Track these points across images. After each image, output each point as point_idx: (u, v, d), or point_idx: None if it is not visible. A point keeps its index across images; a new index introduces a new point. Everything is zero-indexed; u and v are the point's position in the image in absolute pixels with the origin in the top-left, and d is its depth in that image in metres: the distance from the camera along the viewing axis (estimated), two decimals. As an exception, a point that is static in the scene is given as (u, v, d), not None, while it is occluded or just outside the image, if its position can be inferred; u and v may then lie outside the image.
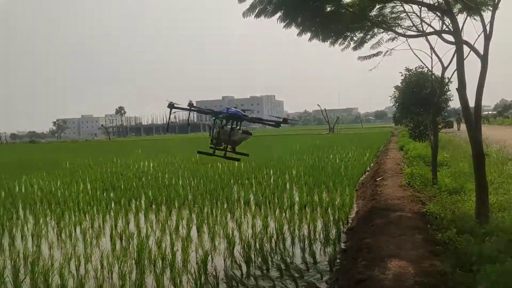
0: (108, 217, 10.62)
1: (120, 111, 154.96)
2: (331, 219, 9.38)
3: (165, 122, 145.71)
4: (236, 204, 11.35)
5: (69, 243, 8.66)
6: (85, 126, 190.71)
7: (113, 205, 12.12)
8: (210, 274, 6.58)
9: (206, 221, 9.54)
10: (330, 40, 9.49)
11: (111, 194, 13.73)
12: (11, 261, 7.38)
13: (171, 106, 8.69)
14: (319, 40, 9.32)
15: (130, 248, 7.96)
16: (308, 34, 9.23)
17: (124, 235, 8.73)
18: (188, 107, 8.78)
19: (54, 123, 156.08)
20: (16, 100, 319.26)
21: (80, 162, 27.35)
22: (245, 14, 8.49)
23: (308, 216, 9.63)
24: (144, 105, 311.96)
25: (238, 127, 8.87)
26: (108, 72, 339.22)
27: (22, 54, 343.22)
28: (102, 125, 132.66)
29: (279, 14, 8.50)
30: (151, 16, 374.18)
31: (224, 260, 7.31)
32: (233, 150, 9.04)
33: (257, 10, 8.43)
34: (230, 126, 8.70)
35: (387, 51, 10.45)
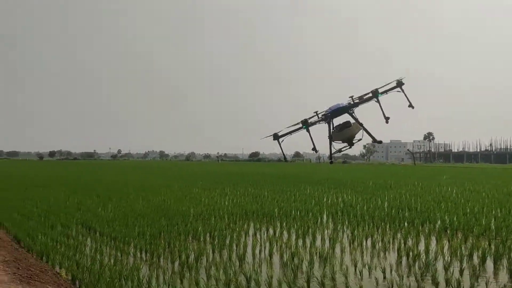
0: (399, 234, 10.71)
1: (428, 137, 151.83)
2: None
3: (478, 149, 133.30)
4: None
5: (358, 250, 9.26)
6: (393, 150, 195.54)
7: (405, 224, 12.13)
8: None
9: (507, 256, 8.35)
10: None
11: (406, 214, 13.75)
12: (309, 256, 8.48)
13: (276, 137, 7.92)
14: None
15: (416, 266, 7.87)
16: None
17: (411, 253, 8.65)
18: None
19: (364, 146, 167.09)
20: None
21: (381, 182, 28.44)
22: None
23: None
24: (454, 131, 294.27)
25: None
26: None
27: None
28: (408, 150, 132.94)
29: None
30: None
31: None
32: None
33: None
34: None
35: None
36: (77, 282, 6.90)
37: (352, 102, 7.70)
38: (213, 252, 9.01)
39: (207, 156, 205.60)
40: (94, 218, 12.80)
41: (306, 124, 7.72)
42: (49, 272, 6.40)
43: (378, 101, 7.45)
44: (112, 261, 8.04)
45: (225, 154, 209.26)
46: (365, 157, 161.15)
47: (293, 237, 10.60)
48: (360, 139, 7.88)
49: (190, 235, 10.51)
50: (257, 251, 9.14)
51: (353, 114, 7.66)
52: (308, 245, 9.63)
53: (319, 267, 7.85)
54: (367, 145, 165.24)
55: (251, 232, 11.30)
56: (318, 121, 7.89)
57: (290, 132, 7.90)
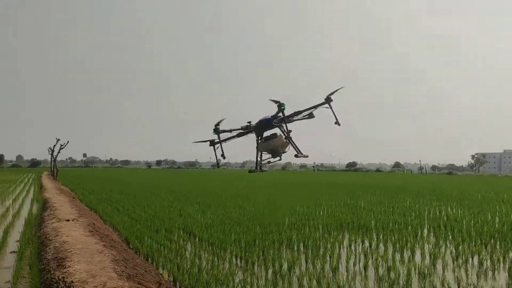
0: (512, 253, 9.74)
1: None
2: None
3: None
4: None
5: (463, 268, 8.60)
6: (508, 161, 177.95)
7: (518, 242, 10.98)
8: None
9: None
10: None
11: (520, 231, 12.44)
12: (407, 271, 8.07)
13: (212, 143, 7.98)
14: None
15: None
16: None
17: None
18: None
19: (473, 156, 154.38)
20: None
21: (492, 195, 26.05)
22: None
23: None
24: None
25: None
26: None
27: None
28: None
29: None
30: None
31: None
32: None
33: None
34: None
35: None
36: (177, 284, 7.34)
37: (280, 116, 8.00)
38: (306, 262, 9.00)
39: (303, 166, 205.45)
40: (194, 224, 13.51)
41: (216, 131, 8.38)
42: (153, 273, 6.91)
43: (330, 107, 7.89)
44: (209, 265, 8.42)
45: (321, 164, 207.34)
46: (474, 168, 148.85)
47: (390, 250, 10.17)
48: (285, 152, 8.33)
49: (284, 244, 10.61)
50: (351, 263, 8.93)
51: (281, 126, 8.21)
52: (406, 260, 9.17)
53: (418, 283, 7.44)
54: (476, 155, 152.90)
55: (345, 243, 11.07)
56: (245, 131, 8.63)
57: (225, 140, 8.49)
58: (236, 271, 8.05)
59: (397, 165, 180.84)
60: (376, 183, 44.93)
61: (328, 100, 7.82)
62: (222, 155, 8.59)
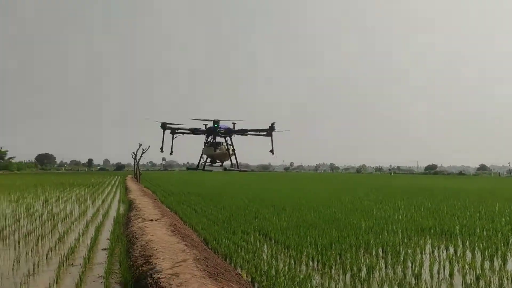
0: None
1: None
2: None
3: None
4: None
5: None
6: None
7: None
8: None
9: None
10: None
11: None
12: (498, 280, 7.52)
13: (163, 126, 7.85)
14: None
15: None
16: None
17: None
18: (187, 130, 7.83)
19: None
20: None
21: None
22: None
23: None
24: None
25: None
26: None
27: None
28: None
29: None
30: None
31: None
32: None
33: None
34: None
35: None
36: (255, 284, 7.46)
37: (234, 129, 8.82)
38: (386, 267, 8.71)
39: (378, 169, 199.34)
40: (269, 226, 13.63)
41: (163, 127, 9.29)
42: (232, 272, 7.09)
43: (271, 138, 8.97)
44: (286, 267, 8.45)
45: (398, 166, 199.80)
46: None
47: (478, 258, 9.54)
48: (224, 161, 9.07)
49: (362, 248, 10.36)
50: (435, 270, 8.49)
51: (227, 137, 8.52)
52: (497, 268, 8.55)
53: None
54: None
55: (427, 249, 10.56)
56: (197, 132, 9.35)
57: (185, 131, 10.06)
58: (313, 274, 8.00)
59: (482, 167, 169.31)
60: (459, 186, 42.37)
61: (269, 132, 8.89)
62: (161, 148, 9.85)
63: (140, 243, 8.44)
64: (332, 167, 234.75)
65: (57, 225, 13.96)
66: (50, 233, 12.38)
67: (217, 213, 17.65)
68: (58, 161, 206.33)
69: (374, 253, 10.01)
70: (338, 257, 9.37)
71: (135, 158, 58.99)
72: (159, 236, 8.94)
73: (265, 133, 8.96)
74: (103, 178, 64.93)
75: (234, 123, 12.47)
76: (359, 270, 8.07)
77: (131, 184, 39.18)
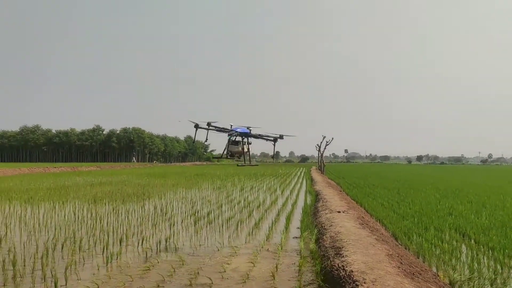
0: None
1: None
2: None
3: None
4: None
5: None
6: None
7: None
8: None
9: None
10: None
11: None
12: None
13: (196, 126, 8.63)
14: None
15: None
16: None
17: None
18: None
19: None
20: None
21: None
22: None
23: None
24: None
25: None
26: None
27: None
28: None
29: None
30: None
31: None
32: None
33: None
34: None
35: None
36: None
37: (251, 133, 9.08)
38: None
39: None
40: (467, 224, 12.34)
41: (196, 127, 14.44)
42: (429, 273, 6.62)
43: (274, 145, 12.47)
44: (491, 272, 7.52)
45: None
46: None
47: None
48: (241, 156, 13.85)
49: None
50: None
51: (243, 139, 10.90)
52: None
53: None
54: None
55: None
56: (220, 130, 13.46)
57: (215, 128, 11.64)
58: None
59: None
60: None
61: (280, 137, 10.43)
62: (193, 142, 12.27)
63: (330, 234, 8.59)
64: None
65: (253, 212, 15.28)
66: (247, 219, 13.63)
67: (406, 207, 16.79)
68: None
69: None
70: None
71: (319, 150, 60.54)
72: (348, 228, 8.95)
73: (272, 139, 11.58)
74: (290, 169, 68.49)
75: (250, 128, 16.37)
76: None
77: (316, 176, 40.36)
